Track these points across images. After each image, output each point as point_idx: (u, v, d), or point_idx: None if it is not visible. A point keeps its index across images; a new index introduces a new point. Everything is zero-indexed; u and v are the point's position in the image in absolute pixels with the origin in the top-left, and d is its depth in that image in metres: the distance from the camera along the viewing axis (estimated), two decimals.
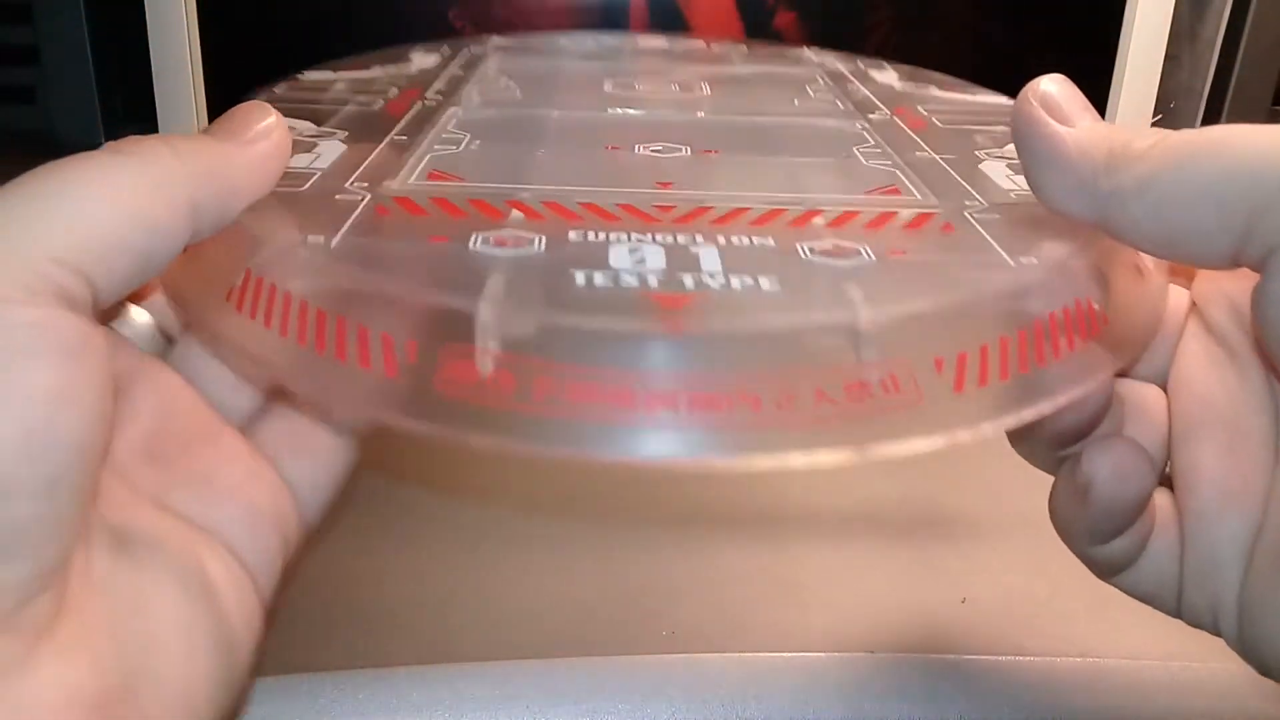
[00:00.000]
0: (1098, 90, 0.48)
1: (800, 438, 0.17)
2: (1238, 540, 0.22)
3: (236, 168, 0.21)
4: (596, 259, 0.20)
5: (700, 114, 0.31)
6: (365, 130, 0.28)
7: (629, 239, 0.21)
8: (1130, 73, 0.45)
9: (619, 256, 0.20)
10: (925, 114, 0.32)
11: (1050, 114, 0.21)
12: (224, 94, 0.44)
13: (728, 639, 0.32)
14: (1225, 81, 0.49)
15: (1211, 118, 0.49)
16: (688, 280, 0.19)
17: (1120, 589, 0.24)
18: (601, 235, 0.21)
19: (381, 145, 0.26)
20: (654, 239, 0.21)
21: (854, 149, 0.28)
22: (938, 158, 0.27)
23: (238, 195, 0.21)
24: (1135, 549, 0.23)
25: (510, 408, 0.17)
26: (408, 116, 0.29)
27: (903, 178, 0.26)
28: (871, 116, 0.31)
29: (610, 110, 0.31)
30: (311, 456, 0.23)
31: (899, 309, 0.19)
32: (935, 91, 0.35)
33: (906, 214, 0.23)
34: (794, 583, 0.34)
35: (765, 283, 0.19)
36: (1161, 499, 0.24)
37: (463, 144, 0.27)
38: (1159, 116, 0.48)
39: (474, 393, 0.17)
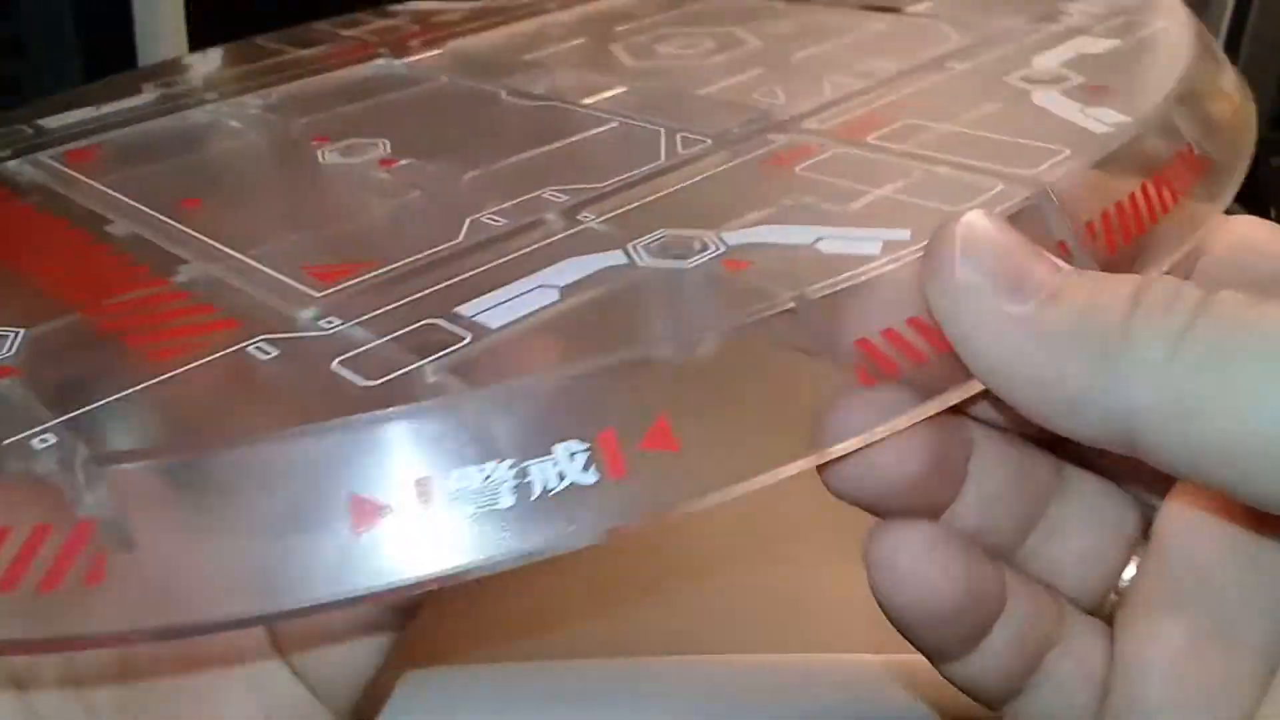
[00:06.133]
0: None
1: None
2: None
3: None
4: None
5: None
6: None
7: None
8: None
9: None
10: None
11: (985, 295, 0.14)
12: None
13: (728, 640, 0.31)
14: None
15: None
16: None
17: None
18: None
19: None
20: None
21: None
22: None
23: None
24: (992, 680, 0.18)
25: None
26: None
27: None
28: None
29: None
30: (336, 647, 0.19)
31: None
32: None
33: None
34: (794, 583, 0.34)
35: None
36: (1090, 641, 0.18)
37: None
38: None
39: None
